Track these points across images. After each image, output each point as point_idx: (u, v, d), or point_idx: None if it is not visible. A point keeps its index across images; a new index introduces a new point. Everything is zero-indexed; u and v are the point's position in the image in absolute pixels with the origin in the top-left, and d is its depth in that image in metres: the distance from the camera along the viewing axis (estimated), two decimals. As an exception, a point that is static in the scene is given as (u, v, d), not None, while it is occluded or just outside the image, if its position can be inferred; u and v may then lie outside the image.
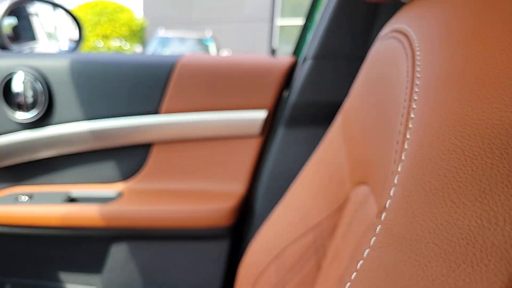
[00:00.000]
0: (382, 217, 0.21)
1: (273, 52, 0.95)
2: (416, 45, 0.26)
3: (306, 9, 0.91)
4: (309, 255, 0.51)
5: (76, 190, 0.91)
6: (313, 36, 0.78)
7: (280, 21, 11.00)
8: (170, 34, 8.48)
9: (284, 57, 0.88)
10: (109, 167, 0.90)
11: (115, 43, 11.17)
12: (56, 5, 1.28)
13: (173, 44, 8.13)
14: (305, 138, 0.79)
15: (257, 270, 0.57)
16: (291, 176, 0.77)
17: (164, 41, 8.15)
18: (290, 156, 0.79)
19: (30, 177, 0.93)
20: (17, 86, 0.84)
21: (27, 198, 0.88)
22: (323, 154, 0.54)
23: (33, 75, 0.84)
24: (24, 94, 0.84)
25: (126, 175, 0.90)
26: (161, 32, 8.56)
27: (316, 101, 0.78)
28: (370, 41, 0.72)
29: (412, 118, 0.22)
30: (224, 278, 0.86)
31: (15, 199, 0.88)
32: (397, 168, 0.21)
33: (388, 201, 0.21)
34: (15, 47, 1.08)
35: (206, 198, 0.84)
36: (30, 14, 1.37)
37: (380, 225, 0.20)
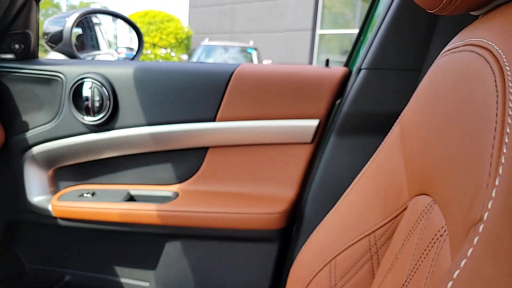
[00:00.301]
0: (480, 228, 0.21)
1: (327, 62, 0.97)
2: (505, 60, 0.26)
3: (361, 20, 0.92)
4: (363, 262, 0.51)
5: (135, 189, 0.96)
6: (368, 47, 0.78)
7: (320, 31, 10.98)
8: (214, 43, 8.72)
9: (337, 67, 0.89)
10: (166, 169, 0.95)
11: (161, 52, 11.62)
12: (118, 16, 1.37)
13: (217, 52, 8.34)
14: (357, 146, 0.80)
15: (309, 273, 0.58)
16: (341, 183, 0.78)
17: (209, 50, 8.38)
18: (341, 164, 0.80)
19: (94, 176, 1.00)
20: (85, 91, 0.91)
21: (90, 195, 0.94)
22: (379, 163, 0.55)
23: (100, 81, 0.90)
24: (91, 99, 0.91)
25: (182, 177, 0.95)
26: (206, 41, 8.82)
27: (369, 110, 0.78)
28: (430, 53, 0.72)
29: (508, 133, 0.22)
30: (272, 279, 0.88)
31: (79, 196, 0.95)
32: (494, 181, 0.22)
33: (486, 214, 0.21)
34: (81, 55, 1.17)
35: (258, 201, 0.87)
36: (94, 24, 1.48)
37: (478, 237, 0.21)
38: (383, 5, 0.81)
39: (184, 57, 8.60)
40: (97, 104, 0.91)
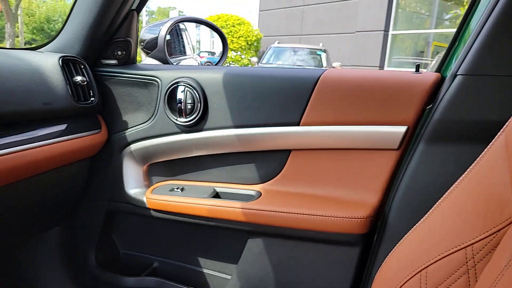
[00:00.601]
0: None
1: (417, 68, 0.95)
2: None
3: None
4: (458, 274, 0.50)
5: (220, 187, 1.02)
6: (466, 51, 0.75)
7: (392, 32, 10.55)
8: (283, 45, 8.80)
9: (429, 73, 0.87)
10: (250, 169, 1.00)
11: (232, 54, 11.98)
12: (205, 23, 1.45)
13: (286, 54, 8.40)
14: (448, 155, 0.77)
15: (397, 281, 0.58)
16: (429, 191, 0.76)
17: (278, 52, 8.48)
18: (429, 172, 0.78)
19: (182, 173, 1.08)
20: (179, 94, 0.99)
21: (180, 190, 1.02)
22: (478, 174, 0.53)
23: (192, 85, 0.97)
24: (184, 101, 0.98)
25: (265, 177, 0.99)
26: (276, 44, 8.94)
27: (463, 118, 0.75)
28: None
29: None
30: (352, 283, 0.88)
31: (170, 190, 1.03)
32: None
33: None
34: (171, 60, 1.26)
35: (340, 205, 0.87)
36: (181, 29, 1.58)
37: None
38: (483, 6, 0.77)
39: (254, 59, 8.78)
40: (189, 106, 0.98)
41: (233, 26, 12.17)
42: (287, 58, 8.33)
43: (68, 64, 0.97)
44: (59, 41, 1.04)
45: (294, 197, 0.93)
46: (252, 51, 12.52)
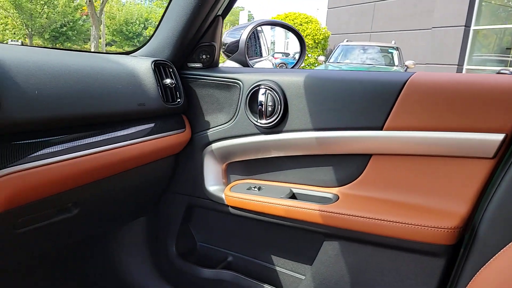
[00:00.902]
0: None
1: None
2: None
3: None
4: None
5: (297, 188, 1.03)
6: None
7: (474, 27, 9.77)
8: (352, 43, 8.57)
9: None
10: (327, 171, 0.99)
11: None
12: (281, 25, 1.47)
13: (355, 53, 8.17)
14: None
15: None
16: None
17: (346, 50, 8.28)
18: None
19: (259, 172, 1.11)
20: (260, 97, 1.02)
21: (257, 189, 1.05)
22: None
23: (273, 88, 0.99)
24: (265, 104, 1.00)
25: (342, 181, 0.98)
26: (344, 41, 8.74)
27: None
28: None
29: None
30: None
31: (247, 189, 1.07)
32: None
33: None
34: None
35: (424, 213, 0.84)
36: (258, 32, 1.62)
37: None
38: None
39: (321, 58, 8.64)
40: (269, 108, 1.00)
41: (301, 24, 12.10)
42: (355, 57, 8.10)
43: (159, 68, 1.04)
44: (150, 46, 1.12)
45: (373, 202, 0.91)
46: (319, 50, 12.35)
